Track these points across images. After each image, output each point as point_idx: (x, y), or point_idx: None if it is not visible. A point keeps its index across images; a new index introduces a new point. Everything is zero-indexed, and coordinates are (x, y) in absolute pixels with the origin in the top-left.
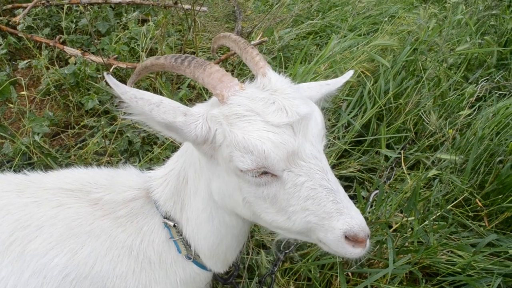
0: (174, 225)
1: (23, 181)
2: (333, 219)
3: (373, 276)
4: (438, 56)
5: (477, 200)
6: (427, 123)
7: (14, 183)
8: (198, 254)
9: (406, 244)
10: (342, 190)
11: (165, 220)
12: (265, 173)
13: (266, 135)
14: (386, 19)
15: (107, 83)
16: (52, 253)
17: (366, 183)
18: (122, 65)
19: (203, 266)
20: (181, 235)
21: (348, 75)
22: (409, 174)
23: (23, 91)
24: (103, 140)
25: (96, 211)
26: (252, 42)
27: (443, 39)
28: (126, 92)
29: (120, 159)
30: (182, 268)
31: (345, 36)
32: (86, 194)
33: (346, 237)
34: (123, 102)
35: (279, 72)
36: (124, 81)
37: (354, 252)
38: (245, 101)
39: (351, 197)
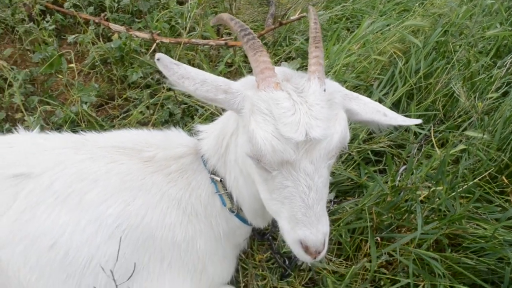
0: (221, 180)
1: (80, 139)
2: (297, 226)
3: (401, 239)
4: (468, 39)
5: (503, 177)
6: (458, 96)
7: (71, 141)
8: (241, 208)
9: (433, 215)
10: (320, 206)
11: (212, 175)
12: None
13: (270, 138)
14: (417, 4)
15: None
16: (106, 204)
17: (396, 158)
18: (165, 40)
19: (244, 220)
20: (226, 190)
21: (411, 121)
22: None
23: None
24: (147, 110)
25: (148, 168)
26: (291, 17)
27: (474, 22)
28: (174, 73)
29: (161, 130)
30: (225, 221)
31: (377, 18)
32: (137, 152)
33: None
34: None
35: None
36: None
37: (303, 256)
38: (270, 101)
39: (382, 171)
